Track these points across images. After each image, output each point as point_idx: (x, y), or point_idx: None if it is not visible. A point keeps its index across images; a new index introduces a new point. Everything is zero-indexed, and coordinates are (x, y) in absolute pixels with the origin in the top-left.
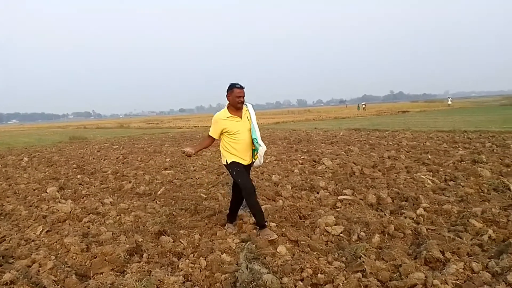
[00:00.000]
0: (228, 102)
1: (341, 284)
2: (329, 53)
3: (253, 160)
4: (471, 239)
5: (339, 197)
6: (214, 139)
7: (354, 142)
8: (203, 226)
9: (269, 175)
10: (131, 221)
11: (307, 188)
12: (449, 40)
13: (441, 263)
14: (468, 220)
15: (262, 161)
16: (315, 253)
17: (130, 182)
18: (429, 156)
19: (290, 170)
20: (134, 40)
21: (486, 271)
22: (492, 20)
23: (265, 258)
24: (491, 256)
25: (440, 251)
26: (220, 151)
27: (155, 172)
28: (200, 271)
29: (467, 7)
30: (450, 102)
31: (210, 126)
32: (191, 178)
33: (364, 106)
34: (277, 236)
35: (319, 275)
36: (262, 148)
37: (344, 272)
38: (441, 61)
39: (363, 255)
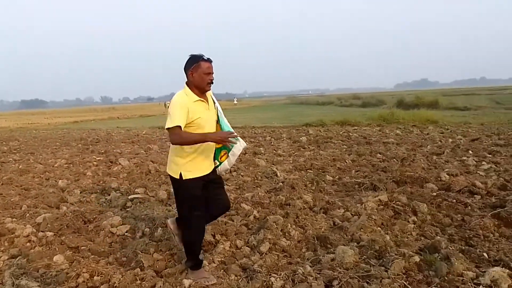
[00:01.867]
0: (189, 80)
1: (117, 282)
2: (135, 47)
3: (218, 163)
4: (240, 221)
5: (129, 197)
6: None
7: (156, 141)
8: None
9: (55, 181)
10: None
11: (98, 191)
12: (244, 42)
13: (213, 245)
14: (240, 205)
15: (233, 162)
16: (95, 256)
17: None
18: None
19: (82, 173)
20: None
21: (247, 246)
22: (285, 28)
23: (38, 271)
24: (253, 233)
25: (212, 234)
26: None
27: None
28: None
29: (252, 6)
30: (236, 102)
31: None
32: None
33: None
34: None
35: (95, 277)
36: (240, 144)
37: (121, 269)
38: (241, 63)
39: (139, 252)
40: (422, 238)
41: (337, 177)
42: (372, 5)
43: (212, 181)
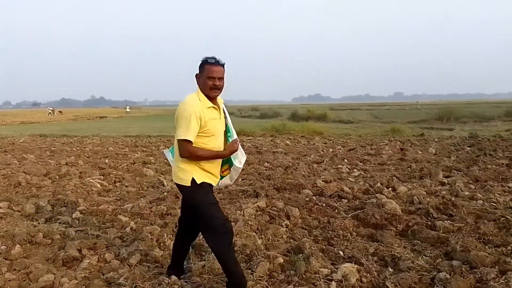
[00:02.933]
0: (198, 86)
1: None
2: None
3: (219, 178)
4: (115, 233)
5: None
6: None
7: (34, 149)
8: None
9: None
10: None
11: None
12: (142, 50)
13: (78, 261)
14: (117, 216)
15: (235, 177)
16: None
17: None
18: (107, 161)
19: None
20: None
21: (116, 259)
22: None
23: None
24: (127, 245)
25: (78, 249)
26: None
27: None
28: None
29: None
30: (128, 110)
31: None
32: None
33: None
34: None
35: None
36: (243, 159)
37: None
38: (141, 72)
39: None
40: (291, 240)
41: None
42: (282, 31)
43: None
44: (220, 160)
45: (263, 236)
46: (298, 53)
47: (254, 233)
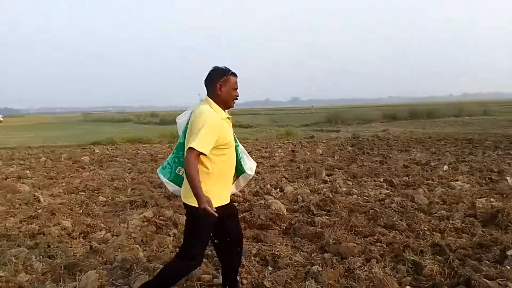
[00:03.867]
0: (216, 95)
1: None
2: None
3: None
4: None
5: None
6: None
7: None
8: None
9: None
10: None
11: None
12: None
13: None
14: None
15: (242, 185)
16: None
17: None
18: None
19: None
20: None
21: None
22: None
23: None
24: None
25: None
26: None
27: None
28: None
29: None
30: (1, 119)
31: None
32: None
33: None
34: None
35: None
36: (253, 166)
37: None
38: (25, 75)
39: None
40: (178, 249)
41: (110, 197)
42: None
43: (227, 209)
44: (231, 179)
45: (147, 248)
46: (199, 57)
47: (137, 246)
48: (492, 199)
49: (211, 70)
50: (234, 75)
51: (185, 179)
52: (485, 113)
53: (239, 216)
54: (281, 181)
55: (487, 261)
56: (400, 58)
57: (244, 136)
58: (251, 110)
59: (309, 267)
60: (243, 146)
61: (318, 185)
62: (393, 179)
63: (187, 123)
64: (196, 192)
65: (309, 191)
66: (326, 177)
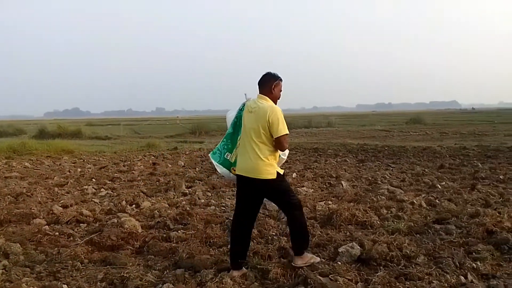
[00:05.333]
0: (273, 94)
1: None
2: None
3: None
4: None
5: None
6: None
7: None
8: None
9: None
10: None
11: None
12: None
13: None
14: None
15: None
16: None
17: None
18: None
19: None
20: None
21: None
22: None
23: None
24: None
25: None
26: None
27: None
28: None
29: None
30: None
31: None
32: None
33: None
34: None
35: None
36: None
37: None
38: None
39: None
40: (7, 283)
41: None
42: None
43: None
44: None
45: None
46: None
47: None
48: (329, 202)
49: (266, 75)
50: (281, 80)
51: (257, 159)
52: (329, 125)
53: (87, 238)
54: (138, 196)
55: (323, 259)
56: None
57: (100, 149)
58: (111, 121)
59: (160, 285)
60: (101, 159)
61: (177, 198)
62: None
63: (236, 116)
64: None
65: (167, 205)
66: (186, 189)
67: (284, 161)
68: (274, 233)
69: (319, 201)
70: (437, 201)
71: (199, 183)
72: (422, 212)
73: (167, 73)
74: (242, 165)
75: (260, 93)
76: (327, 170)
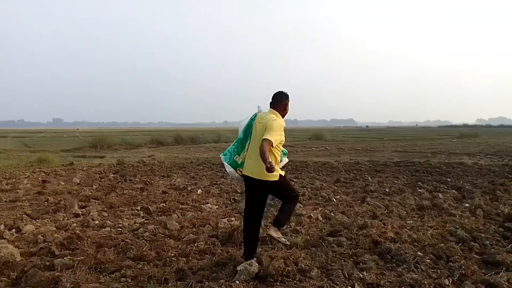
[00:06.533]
0: (285, 110)
1: None
2: None
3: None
4: None
5: None
6: None
7: None
8: None
9: None
10: None
11: None
12: None
13: None
14: None
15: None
16: None
17: None
18: None
19: None
20: None
21: None
22: None
23: None
24: None
25: None
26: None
27: None
28: None
29: None
30: None
31: None
32: None
33: None
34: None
35: None
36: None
37: None
38: None
39: None
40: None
41: None
42: None
43: None
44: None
45: None
46: None
47: None
48: (232, 218)
49: (280, 93)
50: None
51: (260, 166)
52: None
53: None
54: (20, 219)
55: (222, 279)
56: (174, 86)
57: None
58: None
59: None
60: None
61: (67, 220)
62: (150, 207)
63: (247, 124)
64: (271, 166)
65: (54, 228)
66: (79, 209)
67: (285, 162)
68: (172, 254)
69: (222, 218)
70: (332, 214)
71: (95, 202)
72: (319, 225)
73: (66, 80)
74: (249, 168)
75: (272, 107)
76: (233, 185)
